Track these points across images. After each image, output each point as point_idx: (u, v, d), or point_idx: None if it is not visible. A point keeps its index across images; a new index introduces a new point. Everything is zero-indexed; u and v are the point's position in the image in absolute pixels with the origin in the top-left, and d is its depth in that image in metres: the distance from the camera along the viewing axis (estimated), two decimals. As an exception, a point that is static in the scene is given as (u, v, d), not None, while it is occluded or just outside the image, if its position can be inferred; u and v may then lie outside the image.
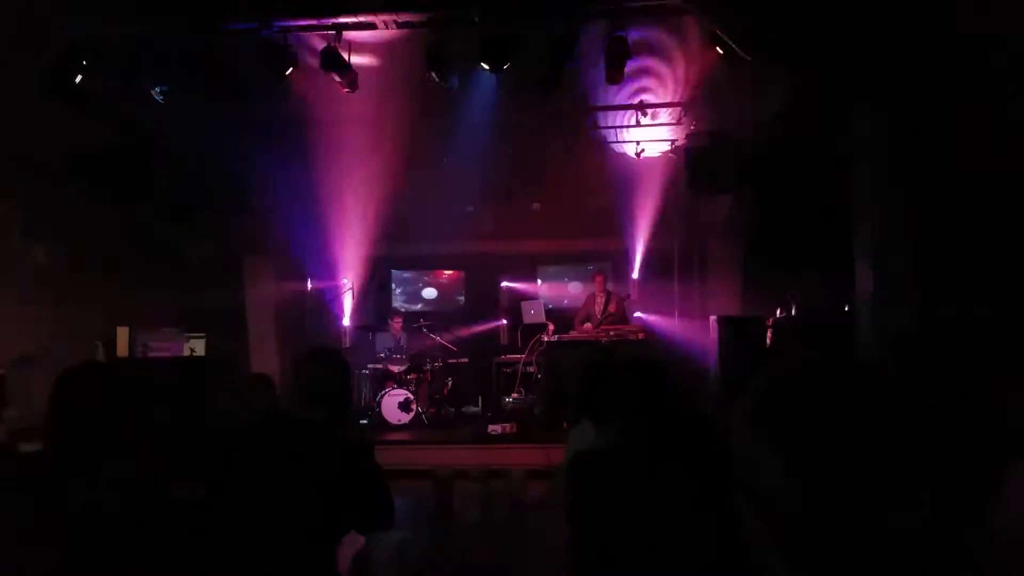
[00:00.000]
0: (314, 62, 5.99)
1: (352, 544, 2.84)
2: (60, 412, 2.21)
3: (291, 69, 5.90)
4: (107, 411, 2.22)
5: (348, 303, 10.98)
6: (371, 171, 9.30)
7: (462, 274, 12.41)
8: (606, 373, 3.28)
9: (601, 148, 8.86)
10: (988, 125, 5.07)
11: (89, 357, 6.55)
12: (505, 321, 11.61)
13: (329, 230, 10.76)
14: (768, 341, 7.52)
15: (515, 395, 8.88)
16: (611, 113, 8.08)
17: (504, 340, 11.44)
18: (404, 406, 8.74)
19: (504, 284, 12.02)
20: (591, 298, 9.17)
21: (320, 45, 5.97)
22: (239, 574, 2.37)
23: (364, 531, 2.79)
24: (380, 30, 5.96)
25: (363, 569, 2.71)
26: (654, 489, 2.27)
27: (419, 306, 12.17)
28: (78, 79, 5.74)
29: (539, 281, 12.13)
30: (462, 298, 12.34)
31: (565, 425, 7.49)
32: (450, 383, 9.78)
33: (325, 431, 2.68)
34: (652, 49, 6.15)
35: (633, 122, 7.99)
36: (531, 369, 8.97)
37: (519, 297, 11.04)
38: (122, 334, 6.81)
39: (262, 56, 5.79)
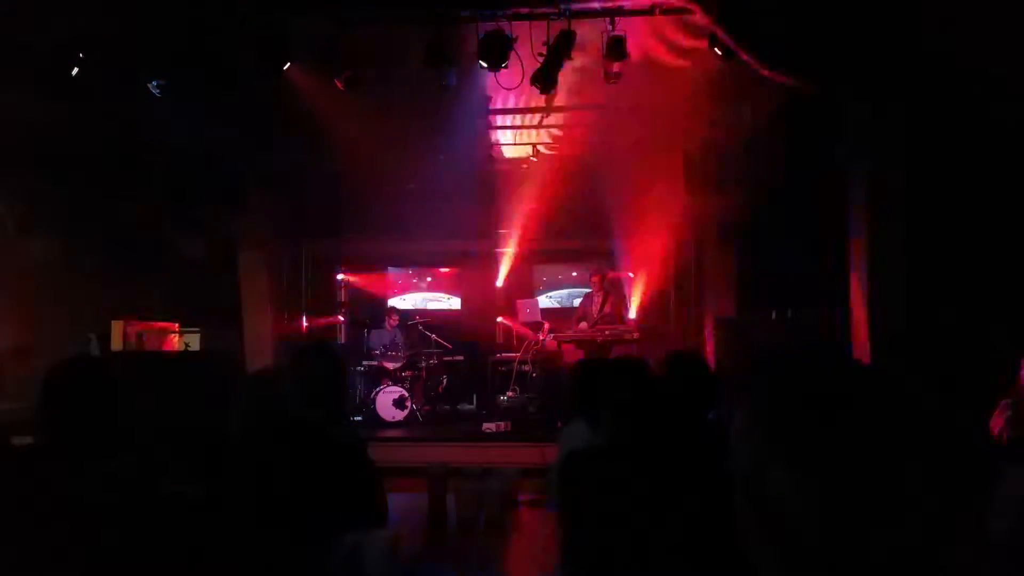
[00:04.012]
0: (312, 57, 5.98)
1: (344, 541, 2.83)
2: (51, 406, 2.20)
3: (288, 64, 5.89)
4: (99, 405, 2.21)
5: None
6: (368, 168, 9.30)
7: (458, 272, 12.41)
8: (600, 372, 3.28)
9: (599, 146, 8.87)
10: (986, 129, 5.08)
11: (83, 350, 6.54)
12: (501, 319, 11.61)
13: (326, 225, 10.76)
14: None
15: (510, 393, 8.88)
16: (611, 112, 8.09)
17: (499, 338, 11.44)
18: (399, 403, 8.74)
19: (500, 282, 12.02)
20: (588, 297, 9.17)
21: (318, 41, 5.96)
22: (232, 572, 2.36)
23: (357, 528, 2.78)
24: (378, 26, 5.96)
25: (355, 567, 2.71)
26: (647, 488, 2.27)
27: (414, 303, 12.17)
28: (74, 72, 5.72)
29: (536, 279, 12.13)
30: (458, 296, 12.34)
31: (559, 424, 7.50)
32: (445, 381, 9.78)
33: (318, 428, 2.68)
34: (650, 49, 6.14)
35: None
36: (526, 368, 8.97)
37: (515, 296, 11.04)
38: (116, 327, 6.79)
39: (259, 50, 5.77)
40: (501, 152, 9.20)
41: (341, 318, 11.74)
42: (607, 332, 8.49)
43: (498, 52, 5.66)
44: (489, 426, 8.07)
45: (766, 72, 5.27)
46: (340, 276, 11.97)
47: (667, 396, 2.89)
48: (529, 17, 5.70)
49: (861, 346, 5.44)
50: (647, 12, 5.67)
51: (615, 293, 9.33)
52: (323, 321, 11.20)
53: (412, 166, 9.54)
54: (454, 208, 10.48)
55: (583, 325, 8.85)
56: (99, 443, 2.20)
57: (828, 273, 6.32)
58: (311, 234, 10.93)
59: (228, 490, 2.46)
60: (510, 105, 7.38)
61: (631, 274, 11.50)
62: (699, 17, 5.26)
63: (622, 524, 2.26)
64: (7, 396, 6.23)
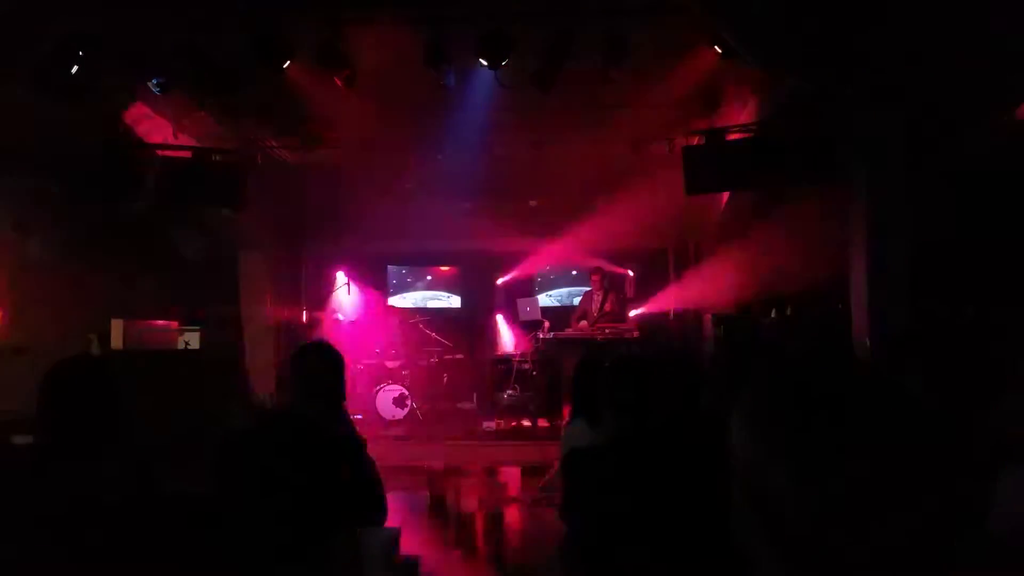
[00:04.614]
0: (312, 56, 5.97)
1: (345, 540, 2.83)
2: (52, 405, 2.20)
3: (288, 63, 5.88)
4: (99, 404, 2.21)
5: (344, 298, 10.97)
6: (367, 167, 9.30)
7: (458, 270, 12.41)
8: (601, 370, 3.28)
9: (599, 145, 8.87)
10: (985, 129, 5.08)
11: (83, 349, 6.53)
12: (501, 317, 11.61)
13: (325, 225, 10.76)
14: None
15: (510, 391, 8.89)
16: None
17: (499, 336, 11.46)
18: (399, 402, 8.74)
19: (500, 281, 12.03)
20: (588, 296, 9.17)
21: (318, 39, 5.95)
22: (233, 571, 2.37)
23: (357, 526, 2.78)
24: (378, 25, 5.95)
25: (355, 565, 2.71)
26: (648, 486, 2.27)
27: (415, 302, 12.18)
28: (73, 71, 5.71)
29: (536, 279, 12.14)
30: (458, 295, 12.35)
31: (560, 422, 7.51)
32: (445, 379, 9.78)
33: (318, 426, 2.68)
34: (651, 48, 6.13)
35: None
36: (526, 366, 8.97)
37: (515, 294, 11.04)
38: (116, 326, 6.78)
39: (259, 49, 5.77)
40: (500, 150, 9.19)
41: (341, 317, 11.74)
42: (607, 331, 8.49)
43: (498, 51, 5.66)
44: (489, 424, 8.08)
45: (766, 72, 5.27)
46: (340, 275, 11.97)
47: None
48: (529, 17, 5.69)
49: (861, 346, 5.44)
50: (648, 11, 5.66)
51: (615, 291, 9.33)
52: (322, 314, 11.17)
53: (411, 165, 9.54)
54: (453, 207, 10.48)
55: (583, 323, 8.85)
56: (100, 442, 2.20)
57: (828, 273, 6.32)
58: (311, 234, 10.92)
59: (228, 489, 2.46)
60: (510, 103, 7.36)
61: (631, 273, 11.51)
62: (700, 16, 5.26)
63: (623, 523, 2.26)
64: (7, 396, 6.23)
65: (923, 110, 5.20)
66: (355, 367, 9.51)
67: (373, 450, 2.83)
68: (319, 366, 2.91)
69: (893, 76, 5.06)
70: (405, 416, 8.75)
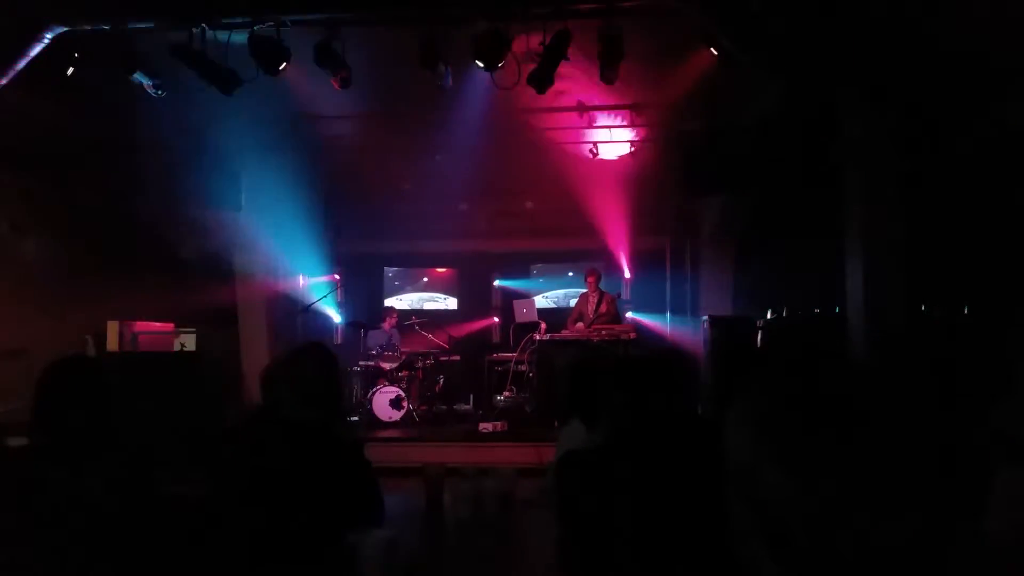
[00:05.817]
0: (308, 57, 5.96)
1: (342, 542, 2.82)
2: (47, 406, 2.19)
3: (284, 64, 5.88)
4: (94, 406, 2.20)
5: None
6: (364, 168, 9.29)
7: (454, 272, 12.41)
8: (597, 373, 3.27)
9: (595, 146, 8.88)
10: (980, 131, 5.09)
11: (79, 351, 6.52)
12: (497, 319, 11.60)
13: (322, 226, 10.74)
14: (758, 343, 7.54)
15: (506, 393, 8.88)
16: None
17: (496, 338, 11.45)
18: (395, 403, 8.72)
19: (497, 283, 12.03)
20: (584, 297, 9.17)
21: (314, 40, 5.94)
22: (231, 571, 2.36)
23: (354, 529, 2.77)
24: (374, 26, 5.95)
25: (352, 567, 2.70)
26: (644, 488, 2.27)
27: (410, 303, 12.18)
28: (69, 71, 5.70)
29: (531, 280, 12.14)
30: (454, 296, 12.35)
31: (556, 424, 7.50)
32: (442, 381, 9.76)
33: (313, 428, 2.67)
34: (648, 48, 6.14)
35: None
36: (522, 368, 8.96)
37: (512, 295, 11.04)
38: (112, 328, 6.77)
39: (255, 51, 5.76)
40: (498, 152, 9.20)
41: (338, 318, 11.72)
42: (604, 332, 8.49)
43: (494, 52, 5.65)
44: (486, 426, 8.07)
45: (763, 72, 5.28)
46: (336, 276, 11.95)
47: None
48: (523, 18, 5.69)
49: (859, 346, 5.44)
50: (646, 12, 5.67)
51: (611, 293, 9.33)
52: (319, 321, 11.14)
53: (408, 166, 9.54)
54: (450, 208, 10.48)
55: (579, 325, 8.85)
56: (95, 444, 2.19)
57: (826, 273, 6.33)
58: (308, 235, 10.91)
59: (226, 491, 2.46)
60: (508, 104, 7.37)
61: (627, 275, 11.51)
62: (697, 17, 5.27)
63: (619, 524, 2.25)
64: (2, 397, 6.21)
65: (920, 109, 5.21)
66: (351, 369, 9.50)
67: (369, 452, 2.82)
68: (313, 368, 2.90)
69: (890, 76, 5.08)
70: (401, 418, 8.73)
